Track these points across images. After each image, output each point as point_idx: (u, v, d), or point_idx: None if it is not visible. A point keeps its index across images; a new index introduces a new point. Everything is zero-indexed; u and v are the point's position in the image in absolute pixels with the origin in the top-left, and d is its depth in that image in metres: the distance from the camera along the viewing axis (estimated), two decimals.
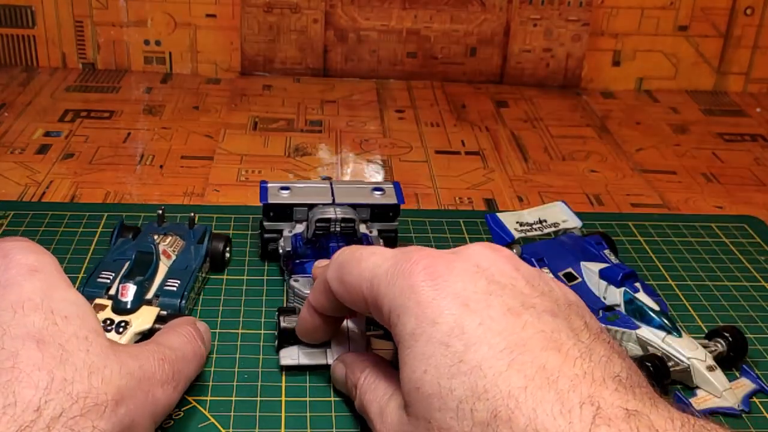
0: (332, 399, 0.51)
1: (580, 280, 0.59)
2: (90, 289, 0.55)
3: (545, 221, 0.64)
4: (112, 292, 0.55)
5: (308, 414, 0.50)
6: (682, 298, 0.63)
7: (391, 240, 0.65)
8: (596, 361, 0.36)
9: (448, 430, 0.36)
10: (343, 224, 0.61)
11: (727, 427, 0.34)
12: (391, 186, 0.65)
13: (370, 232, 0.64)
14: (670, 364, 0.52)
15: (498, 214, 0.63)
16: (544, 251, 0.61)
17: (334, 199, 0.63)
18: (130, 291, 0.54)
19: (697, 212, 0.77)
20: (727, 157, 0.90)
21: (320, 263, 0.52)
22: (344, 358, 0.50)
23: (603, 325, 0.41)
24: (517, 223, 0.63)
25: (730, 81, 1.09)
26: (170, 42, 1.05)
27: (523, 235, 0.62)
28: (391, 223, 0.64)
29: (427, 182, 0.81)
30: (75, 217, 0.70)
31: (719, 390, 0.52)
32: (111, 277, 0.56)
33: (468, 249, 0.42)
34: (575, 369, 0.35)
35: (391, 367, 0.46)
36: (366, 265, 0.43)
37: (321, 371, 0.53)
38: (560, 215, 0.65)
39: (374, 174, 0.83)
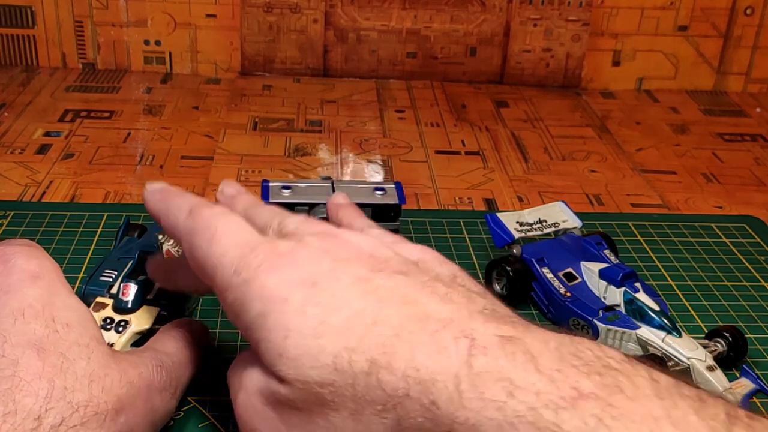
0: None
1: (580, 279, 0.59)
2: (92, 287, 0.55)
3: (545, 221, 0.64)
4: (114, 290, 0.55)
5: None
6: (682, 298, 0.63)
7: None
8: (458, 302, 0.37)
9: (332, 385, 0.36)
10: None
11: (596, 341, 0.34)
12: (393, 186, 0.65)
13: None
14: (670, 364, 0.52)
15: (498, 214, 0.63)
16: (544, 251, 0.61)
17: None
18: (131, 290, 0.54)
19: (697, 212, 0.78)
20: (727, 157, 0.90)
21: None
22: None
23: (455, 271, 0.41)
24: (517, 223, 0.63)
25: (730, 81, 1.09)
26: (170, 42, 1.05)
27: (523, 234, 0.62)
28: (392, 223, 0.64)
29: (427, 182, 0.81)
30: (75, 217, 0.70)
31: (719, 390, 0.52)
32: (114, 276, 0.56)
33: (308, 238, 0.41)
34: (441, 313, 0.36)
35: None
36: (216, 249, 0.41)
37: None
38: (560, 215, 0.65)
39: (374, 174, 0.83)
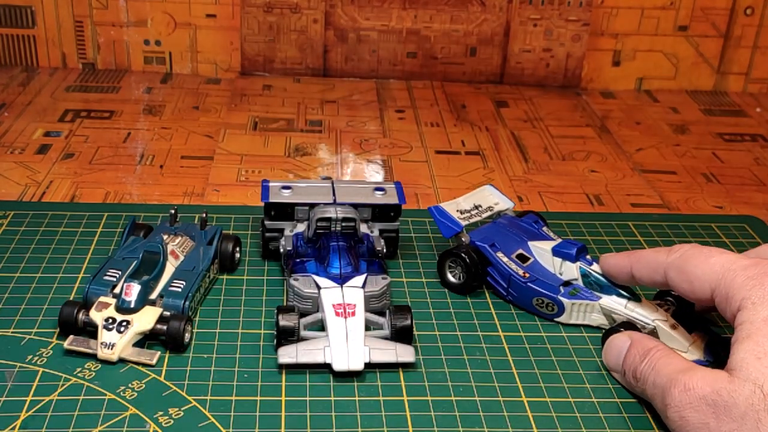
0: (332, 399, 0.51)
1: (532, 260, 0.61)
2: (95, 286, 0.56)
3: (480, 206, 0.65)
4: (117, 290, 0.55)
5: (308, 414, 0.50)
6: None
7: (392, 240, 0.65)
8: None
9: None
10: (343, 224, 0.61)
11: None
12: (393, 186, 0.65)
13: (371, 231, 0.64)
14: (638, 327, 0.56)
15: (441, 205, 0.64)
16: (492, 236, 0.63)
17: (335, 199, 0.63)
18: (133, 290, 0.54)
19: (697, 212, 0.78)
20: (727, 157, 0.90)
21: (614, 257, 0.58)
22: (631, 335, 0.53)
23: None
24: (457, 211, 0.64)
25: (730, 81, 1.09)
26: (170, 42, 1.05)
27: (466, 222, 0.63)
28: (392, 223, 0.64)
29: (427, 182, 0.81)
30: (75, 217, 0.70)
31: (685, 345, 0.55)
32: (117, 276, 0.56)
33: None
34: None
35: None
36: (717, 260, 0.49)
37: (321, 371, 0.53)
38: (492, 199, 0.67)
39: (374, 174, 0.83)
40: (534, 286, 0.59)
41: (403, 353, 0.53)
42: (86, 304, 0.54)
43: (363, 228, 0.63)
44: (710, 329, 0.56)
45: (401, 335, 0.54)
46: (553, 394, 0.52)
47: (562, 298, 0.58)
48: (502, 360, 0.55)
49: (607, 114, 1.01)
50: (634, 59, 1.07)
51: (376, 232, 0.64)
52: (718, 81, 1.09)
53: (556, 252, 0.60)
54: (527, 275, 0.60)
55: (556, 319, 0.59)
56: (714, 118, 1.01)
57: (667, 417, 0.47)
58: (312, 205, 0.63)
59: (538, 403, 0.52)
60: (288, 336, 0.53)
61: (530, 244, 0.62)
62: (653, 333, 0.55)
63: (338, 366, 0.52)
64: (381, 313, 0.56)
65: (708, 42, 1.07)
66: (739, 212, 0.78)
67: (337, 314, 0.54)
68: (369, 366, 0.53)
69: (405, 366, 0.54)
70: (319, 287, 0.56)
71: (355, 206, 0.63)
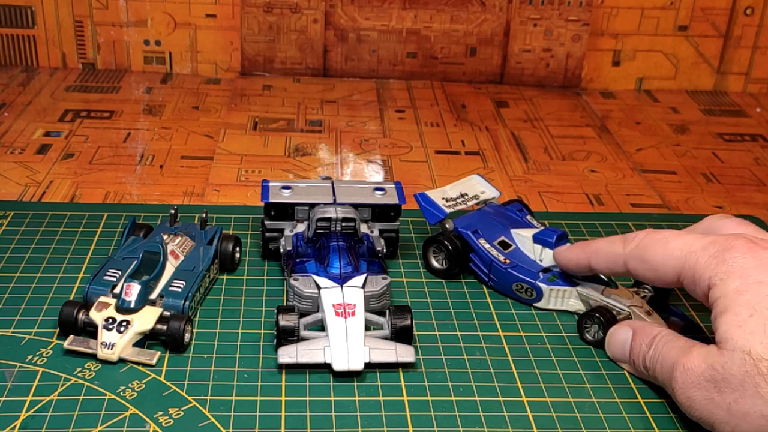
0: (332, 399, 0.51)
1: (513, 246, 0.63)
2: (95, 287, 0.56)
3: (467, 194, 0.67)
4: (117, 290, 0.55)
5: (308, 414, 0.50)
6: (681, 298, 0.63)
7: (392, 240, 0.65)
8: None
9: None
10: (343, 224, 0.61)
11: None
12: (393, 186, 0.65)
13: (371, 231, 0.64)
14: (613, 313, 0.57)
15: (427, 192, 0.65)
16: (476, 223, 0.64)
17: (335, 199, 0.63)
18: (133, 290, 0.54)
19: (697, 212, 0.77)
20: (727, 157, 0.90)
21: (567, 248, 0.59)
22: (632, 324, 0.54)
23: None
24: (443, 199, 0.65)
25: (730, 81, 1.09)
26: (170, 42, 1.05)
27: (451, 209, 0.65)
28: (392, 223, 0.64)
29: (427, 182, 0.81)
30: (75, 217, 0.70)
31: None
32: (117, 276, 0.56)
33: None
34: None
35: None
36: (675, 244, 0.51)
37: (321, 371, 0.53)
38: (478, 187, 0.68)
39: (374, 174, 0.83)
40: (514, 272, 0.60)
41: (403, 353, 0.53)
42: (86, 304, 0.54)
43: (363, 228, 0.63)
44: (686, 316, 0.58)
45: (401, 335, 0.54)
46: (553, 394, 0.52)
47: (540, 284, 0.60)
48: (502, 360, 0.55)
49: (607, 114, 1.01)
50: (634, 59, 1.07)
51: (376, 232, 0.64)
52: (718, 81, 1.09)
53: (537, 239, 0.62)
54: (508, 261, 0.61)
55: (534, 304, 0.60)
56: (714, 118, 1.01)
57: (676, 400, 0.49)
58: (312, 205, 0.63)
59: (538, 403, 0.52)
60: (288, 336, 0.53)
61: (512, 231, 0.63)
62: (629, 318, 0.57)
63: (338, 366, 0.52)
64: (381, 313, 0.56)
65: (708, 42, 1.07)
66: (739, 212, 0.78)
67: (337, 314, 0.54)
68: (369, 366, 0.53)
69: (405, 366, 0.54)
70: (319, 287, 0.56)
71: (355, 206, 0.63)
